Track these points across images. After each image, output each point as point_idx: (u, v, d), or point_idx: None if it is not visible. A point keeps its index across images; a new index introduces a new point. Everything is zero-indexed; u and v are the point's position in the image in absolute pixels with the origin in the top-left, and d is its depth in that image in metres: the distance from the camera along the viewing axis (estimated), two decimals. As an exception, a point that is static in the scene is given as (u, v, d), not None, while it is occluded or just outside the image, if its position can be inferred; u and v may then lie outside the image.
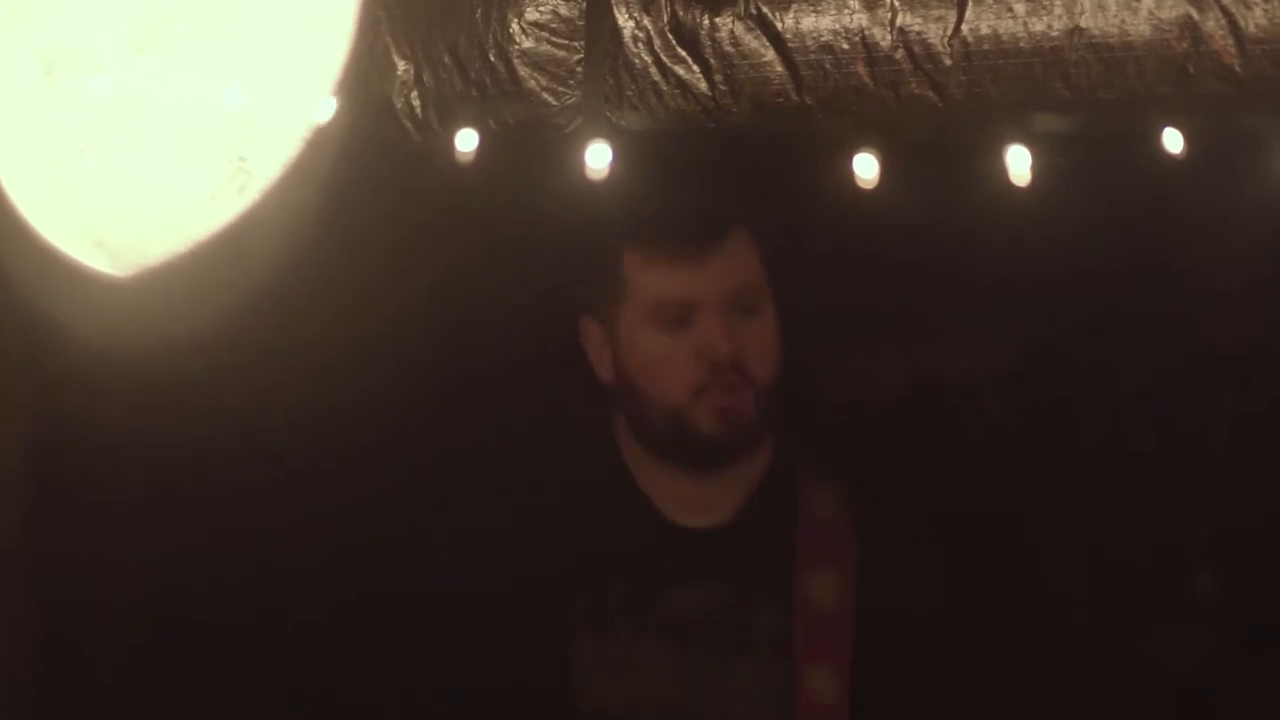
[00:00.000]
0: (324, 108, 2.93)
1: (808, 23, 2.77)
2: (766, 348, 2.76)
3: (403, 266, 3.59)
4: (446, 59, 2.91)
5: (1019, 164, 2.72)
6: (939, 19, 2.71)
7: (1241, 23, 2.61)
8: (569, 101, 2.87)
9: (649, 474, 2.80)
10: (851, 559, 2.77)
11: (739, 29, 2.80)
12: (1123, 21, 2.65)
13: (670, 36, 2.82)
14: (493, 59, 2.89)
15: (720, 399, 2.71)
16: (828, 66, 2.77)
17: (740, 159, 2.98)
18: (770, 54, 2.79)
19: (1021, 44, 2.70)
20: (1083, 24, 2.66)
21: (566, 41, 2.87)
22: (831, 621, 2.75)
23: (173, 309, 2.31)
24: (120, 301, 2.13)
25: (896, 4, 2.72)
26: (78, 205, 2.04)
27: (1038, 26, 2.69)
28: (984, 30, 2.71)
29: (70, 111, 2.00)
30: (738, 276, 2.73)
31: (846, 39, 2.76)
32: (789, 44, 2.78)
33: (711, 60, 2.81)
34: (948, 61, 2.72)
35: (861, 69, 2.76)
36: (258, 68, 2.02)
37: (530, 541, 2.77)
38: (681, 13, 2.81)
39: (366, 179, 3.09)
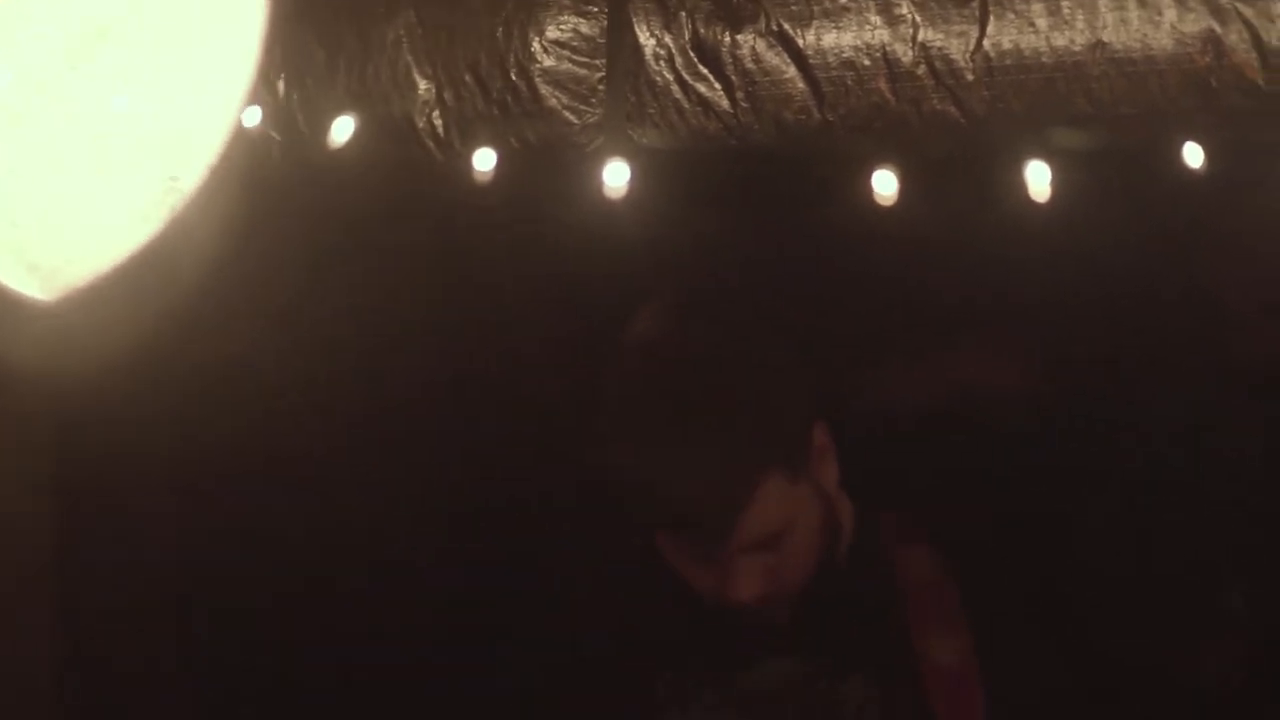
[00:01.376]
0: (341, 127, 2.94)
1: (829, 39, 2.76)
2: (799, 557, 2.69)
3: (422, 284, 3.58)
4: (468, 78, 2.91)
5: (1041, 179, 2.72)
6: (961, 34, 2.71)
7: (1264, 36, 2.61)
8: (590, 120, 2.87)
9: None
10: (961, 615, 2.77)
11: (760, 46, 2.80)
12: (1145, 35, 2.65)
13: (692, 54, 2.82)
14: (514, 77, 2.89)
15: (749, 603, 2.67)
16: (849, 83, 2.77)
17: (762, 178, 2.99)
18: (792, 71, 2.79)
19: (1044, 59, 2.69)
20: (1105, 38, 2.66)
21: (588, 60, 2.87)
22: (959, 680, 2.74)
23: (112, 331, 2.30)
24: (53, 325, 2.12)
25: (918, 19, 2.72)
26: (9, 227, 2.01)
27: (1060, 41, 2.68)
28: (1006, 45, 2.70)
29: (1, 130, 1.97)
30: (768, 525, 2.64)
31: (868, 55, 2.76)
32: (810, 61, 2.77)
33: (733, 77, 2.81)
34: (970, 77, 2.72)
35: (883, 85, 2.75)
36: (190, 84, 2.00)
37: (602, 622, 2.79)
38: (703, 30, 2.81)
39: (388, 198, 3.09)
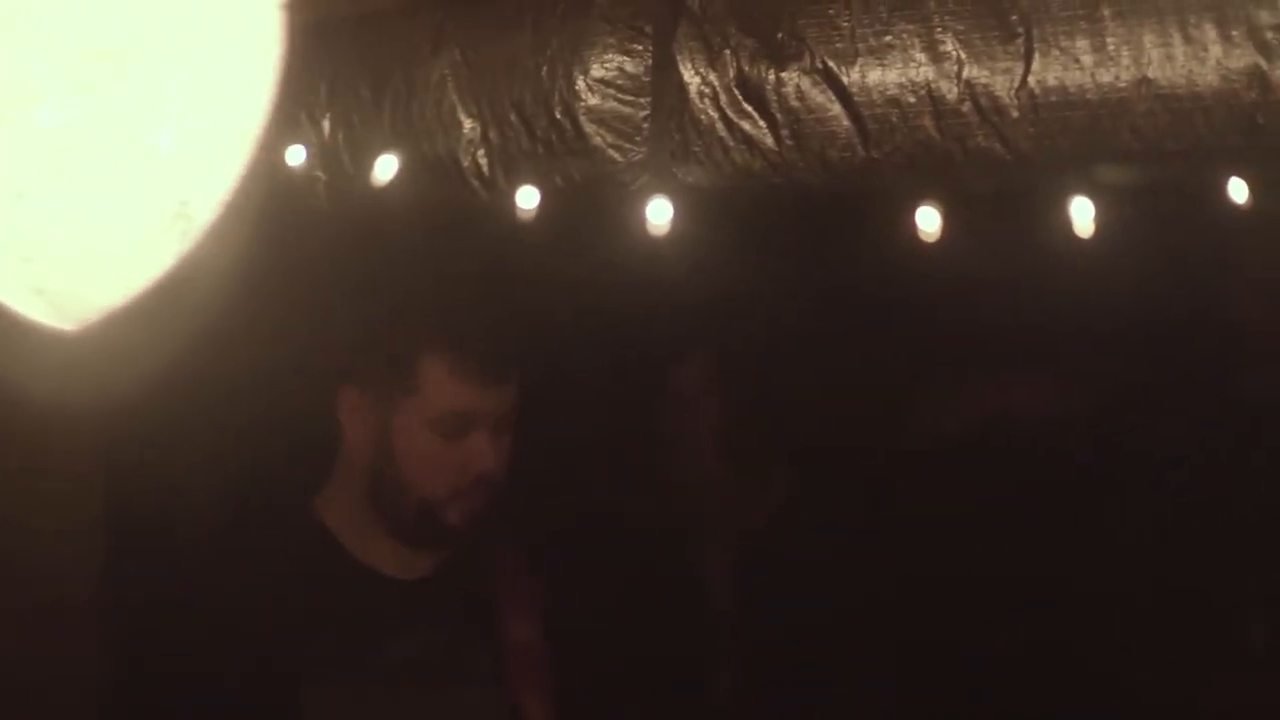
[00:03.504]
0: (385, 166, 2.96)
1: (874, 76, 2.76)
2: (505, 463, 3.05)
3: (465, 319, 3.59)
4: (513, 116, 2.92)
5: (1085, 215, 2.71)
6: (1005, 71, 2.70)
7: (1311, 72, 2.60)
8: (635, 158, 2.88)
9: (367, 540, 3.06)
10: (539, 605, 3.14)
11: (805, 83, 2.80)
12: (1190, 71, 2.64)
13: (736, 92, 2.83)
14: (559, 116, 2.89)
15: (473, 503, 3.01)
16: (894, 120, 2.76)
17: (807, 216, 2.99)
18: (836, 108, 2.79)
19: (1089, 95, 2.69)
20: (1150, 74, 2.65)
21: (633, 98, 2.88)
22: (532, 655, 3.11)
23: (123, 359, 2.30)
24: (63, 353, 2.12)
25: (963, 56, 2.72)
26: (16, 252, 2.00)
27: (1105, 78, 2.67)
28: (1051, 82, 2.70)
29: (7, 154, 1.97)
30: (507, 402, 3.04)
31: (913, 92, 2.75)
32: (855, 98, 2.77)
33: (778, 115, 2.81)
34: (1015, 114, 2.71)
35: (928, 122, 2.75)
36: (204, 109, 2.00)
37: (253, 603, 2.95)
38: (747, 68, 2.81)
39: (433, 236, 3.10)
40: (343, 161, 2.99)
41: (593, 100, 2.89)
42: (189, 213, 2.03)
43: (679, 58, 2.84)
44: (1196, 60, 2.63)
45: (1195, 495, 3.49)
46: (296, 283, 3.23)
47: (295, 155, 3.00)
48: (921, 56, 2.74)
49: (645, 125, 2.87)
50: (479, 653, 3.09)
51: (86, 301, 2.03)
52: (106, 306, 2.02)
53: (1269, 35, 2.58)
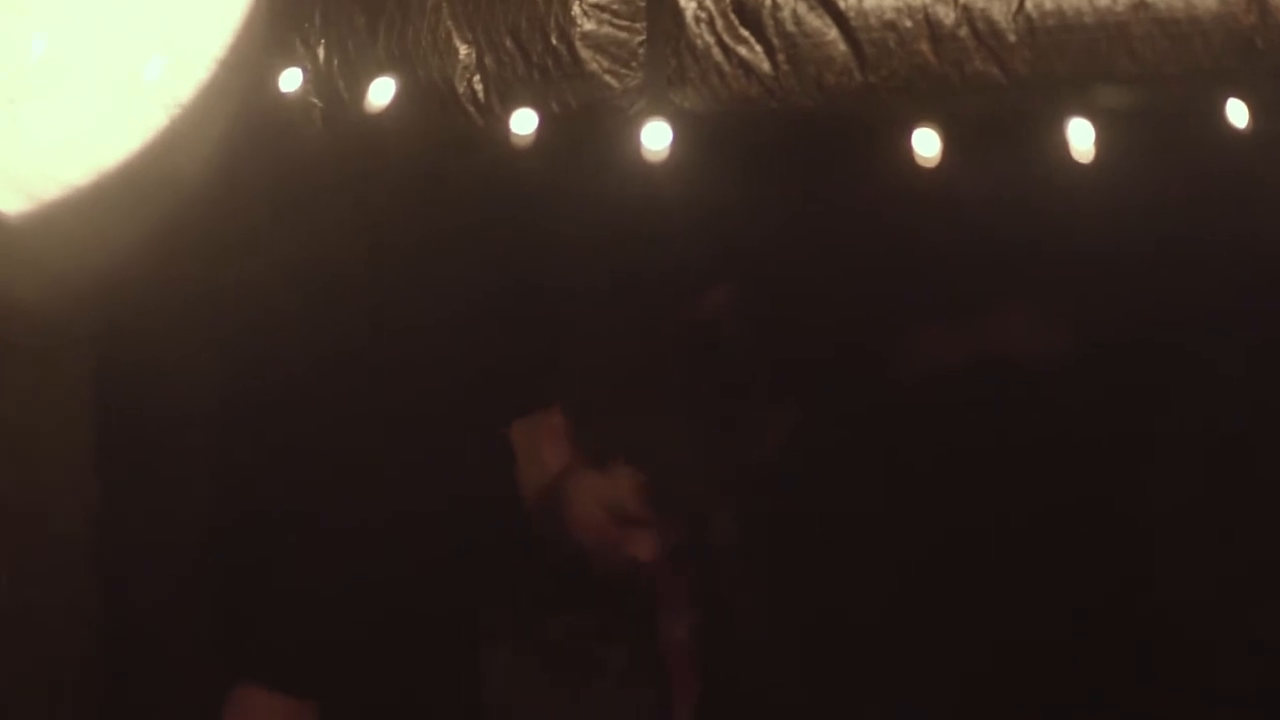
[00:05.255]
0: (380, 89, 2.94)
1: (871, 1, 2.75)
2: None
3: (458, 248, 3.59)
4: (508, 42, 2.90)
5: (1083, 139, 2.70)
6: (1003, -6, 2.70)
7: (1310, -6, 2.59)
8: (631, 84, 2.86)
9: None
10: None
11: (801, 8, 2.79)
12: (1188, -5, 2.63)
13: (732, 16, 2.81)
14: (554, 41, 2.88)
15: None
16: (891, 45, 2.75)
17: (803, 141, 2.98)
18: (833, 33, 2.77)
19: (1086, 19, 2.68)
20: (1148, -2, 2.65)
21: (628, 23, 2.86)
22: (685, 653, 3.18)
23: (96, 249, 2.28)
24: (24, 239, 2.09)
25: (960, -20, 2.71)
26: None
27: (1102, 1, 2.66)
28: (1048, 6, 2.69)
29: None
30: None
31: (910, 16, 2.74)
32: (852, 22, 2.76)
33: (774, 40, 2.80)
34: (1012, 38, 2.71)
35: (925, 47, 2.74)
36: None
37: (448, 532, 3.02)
38: (743, -8, 2.80)
39: (428, 162, 3.09)
40: (338, 87, 2.97)
41: (588, 25, 2.87)
42: (167, 102, 2.00)
43: (675, -18, 2.83)
44: (1195, -17, 2.62)
45: (1214, 420, 3.49)
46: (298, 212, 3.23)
47: (290, 80, 2.98)
48: (919, -20, 2.73)
49: (641, 50, 2.86)
50: (623, 648, 3.15)
51: (53, 179, 1.99)
52: (70, 183, 1.98)
53: (1268, -42, 2.58)
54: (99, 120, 1.99)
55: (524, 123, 2.87)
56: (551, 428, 3.05)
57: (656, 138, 2.79)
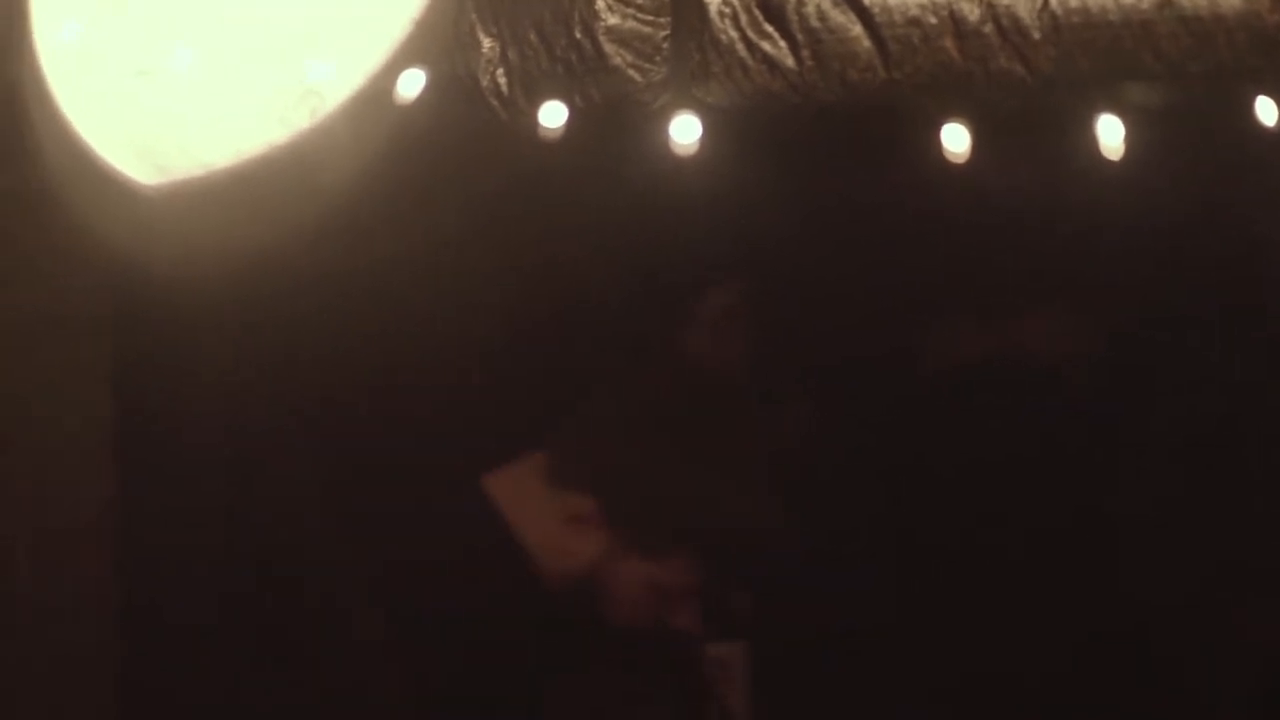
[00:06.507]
0: (410, 82, 2.94)
1: (896, -3, 2.77)
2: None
3: (485, 241, 3.58)
4: (532, 36, 2.91)
5: (1108, 136, 2.72)
6: (1028, -8, 2.71)
7: (1335, -7, 2.60)
8: (655, 78, 2.87)
9: None
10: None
11: (826, 4, 2.79)
12: (1213, -7, 2.65)
13: (757, 12, 2.82)
14: (578, 35, 2.88)
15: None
16: (916, 41, 2.76)
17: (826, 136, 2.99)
18: (857, 29, 2.78)
19: (1111, 17, 2.69)
20: (1173, -4, 2.66)
21: (652, 18, 2.87)
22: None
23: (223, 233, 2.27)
24: (157, 214, 2.09)
25: (986, -23, 2.72)
26: (131, 119, 1.99)
27: (1127, -1, 2.68)
28: (1073, 3, 2.70)
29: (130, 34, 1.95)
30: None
31: (934, 13, 2.75)
32: (876, 18, 2.77)
33: (798, 35, 2.81)
34: (1036, 35, 2.72)
35: (950, 43, 2.75)
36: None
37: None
38: (768, -13, 2.81)
39: (452, 155, 3.09)
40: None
41: (612, 19, 2.88)
42: (320, 92, 2.01)
43: (699, -24, 2.84)
44: (1219, -18, 2.64)
45: (1220, 418, 3.50)
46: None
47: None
48: (944, -24, 2.74)
49: (665, 45, 2.86)
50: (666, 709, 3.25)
51: (191, 156, 2.00)
52: (210, 165, 1.99)
53: (1292, -43, 2.59)
54: (250, 110, 2.00)
55: (552, 116, 2.87)
56: (533, 491, 3.19)
57: (685, 131, 2.80)
